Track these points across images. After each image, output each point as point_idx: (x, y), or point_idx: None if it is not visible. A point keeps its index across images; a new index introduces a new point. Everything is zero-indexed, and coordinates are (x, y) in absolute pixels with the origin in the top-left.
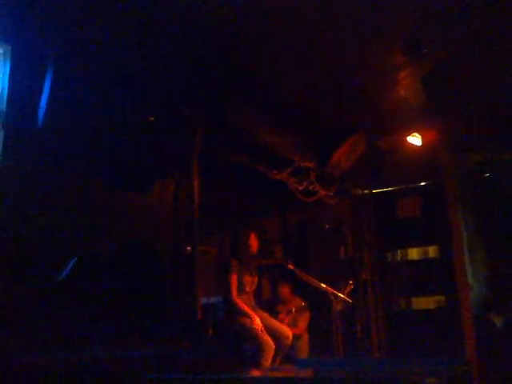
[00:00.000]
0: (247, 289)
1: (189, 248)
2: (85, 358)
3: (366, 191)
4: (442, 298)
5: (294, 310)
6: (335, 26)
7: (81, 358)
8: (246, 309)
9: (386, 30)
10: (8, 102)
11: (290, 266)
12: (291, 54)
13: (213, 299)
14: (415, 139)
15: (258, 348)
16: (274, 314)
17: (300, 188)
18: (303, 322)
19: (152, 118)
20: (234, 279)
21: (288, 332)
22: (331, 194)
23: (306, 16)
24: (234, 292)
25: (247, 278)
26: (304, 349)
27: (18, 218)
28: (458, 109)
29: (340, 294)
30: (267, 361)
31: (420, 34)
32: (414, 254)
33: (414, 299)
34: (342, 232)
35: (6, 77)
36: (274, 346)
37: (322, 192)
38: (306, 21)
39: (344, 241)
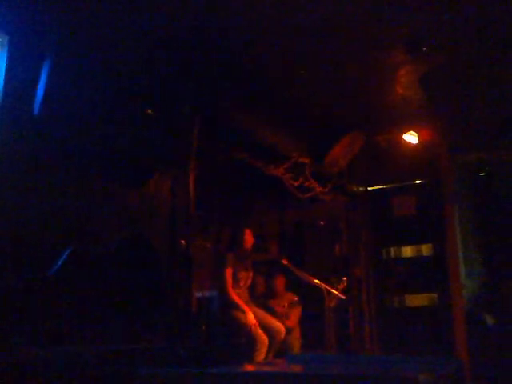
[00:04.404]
0: (242, 284)
1: (183, 242)
2: (78, 353)
3: (361, 188)
4: (434, 295)
5: (286, 305)
6: (335, 24)
7: (74, 352)
8: (241, 303)
9: (386, 28)
10: (4, 92)
11: (285, 262)
12: (290, 51)
13: (207, 293)
14: (412, 137)
15: (251, 343)
16: (266, 308)
17: (295, 184)
18: (295, 316)
19: (150, 111)
20: (228, 273)
21: (281, 327)
22: (327, 190)
23: (306, 14)
24: (230, 285)
25: (242, 273)
26: (296, 344)
27: (14, 208)
28: (457, 107)
29: (333, 291)
30: (260, 355)
31: (420, 33)
32: (407, 251)
33: (407, 296)
34: (337, 229)
35: (3, 67)
36: (267, 341)
37: (318, 188)
38: (306, 18)
39: (339, 237)
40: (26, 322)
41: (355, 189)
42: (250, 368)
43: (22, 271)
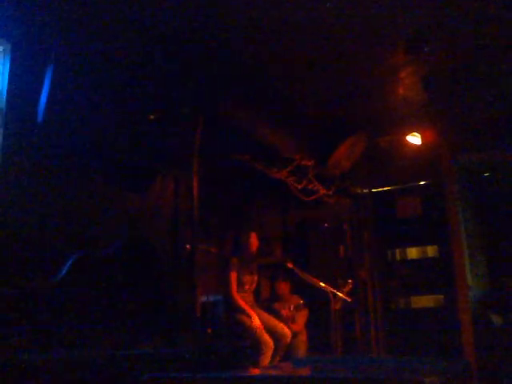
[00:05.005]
0: (247, 287)
1: (188, 246)
2: (83, 357)
3: (365, 190)
4: (440, 296)
5: (292, 307)
6: (336, 24)
7: (79, 356)
8: (246, 307)
9: (387, 29)
10: (8, 99)
11: (290, 265)
12: (290, 53)
13: (212, 297)
14: (415, 138)
15: (256, 346)
16: (272, 312)
17: (299, 187)
18: (301, 320)
19: (152, 117)
20: (233, 276)
21: (286, 331)
22: (331, 192)
23: (307, 12)
24: (234, 289)
25: (247, 277)
26: (302, 347)
27: (18, 214)
28: (459, 108)
29: (339, 293)
30: (266, 359)
31: (421, 33)
32: (413, 253)
33: (412, 298)
34: (341, 231)
35: (6, 74)
36: (273, 345)
37: (322, 191)
38: (307, 18)
39: (343, 240)
40: (30, 326)
41: (359, 191)
42: (255, 372)
43: (27, 277)
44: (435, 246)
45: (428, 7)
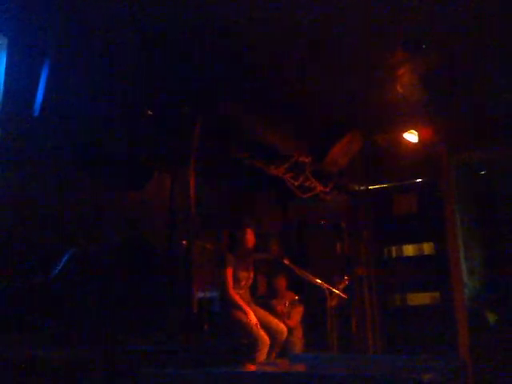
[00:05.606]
0: (243, 283)
1: (185, 243)
2: (81, 354)
3: (362, 187)
4: (436, 294)
5: (287, 303)
6: (335, 23)
7: (77, 353)
8: (242, 303)
9: (386, 26)
10: (4, 93)
11: (286, 262)
12: (289, 51)
13: (208, 294)
14: (412, 136)
15: (252, 343)
16: (268, 308)
17: (296, 183)
18: (296, 316)
19: (150, 112)
20: (229, 273)
21: (282, 327)
22: (328, 189)
23: (306, 12)
24: (230, 285)
25: (243, 273)
26: (298, 344)
27: (13, 210)
28: (457, 106)
29: (335, 290)
30: (262, 356)
31: (420, 32)
32: (409, 250)
33: (409, 295)
34: (338, 228)
35: (2, 69)
36: (269, 341)
37: (319, 188)
38: (305, 17)
39: (340, 236)
40: (28, 324)
41: (356, 188)
42: (251, 368)
43: (26, 276)
44: (431, 244)
45: (428, 7)
